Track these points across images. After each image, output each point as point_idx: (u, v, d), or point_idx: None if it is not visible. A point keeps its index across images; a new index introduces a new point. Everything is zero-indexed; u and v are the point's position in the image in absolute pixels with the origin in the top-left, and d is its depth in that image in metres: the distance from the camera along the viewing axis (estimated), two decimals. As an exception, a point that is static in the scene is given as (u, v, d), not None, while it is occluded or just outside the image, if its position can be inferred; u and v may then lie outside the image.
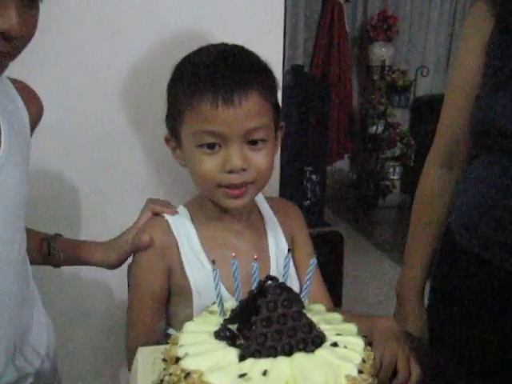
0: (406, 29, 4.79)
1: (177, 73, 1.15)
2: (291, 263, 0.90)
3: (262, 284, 0.81)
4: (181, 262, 1.16)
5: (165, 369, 0.80)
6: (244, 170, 1.07)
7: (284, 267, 0.90)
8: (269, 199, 1.30)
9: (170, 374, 0.77)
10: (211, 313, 0.90)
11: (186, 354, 0.78)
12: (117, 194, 1.62)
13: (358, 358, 0.79)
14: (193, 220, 1.21)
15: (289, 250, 0.93)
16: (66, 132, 1.53)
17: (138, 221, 1.24)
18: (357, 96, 4.91)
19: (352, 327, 0.87)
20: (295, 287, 1.01)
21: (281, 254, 1.20)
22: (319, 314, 0.89)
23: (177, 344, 0.82)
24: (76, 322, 1.67)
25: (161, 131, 1.20)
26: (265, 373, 0.74)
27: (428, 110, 4.68)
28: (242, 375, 0.74)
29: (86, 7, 1.47)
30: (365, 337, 0.85)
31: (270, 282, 0.81)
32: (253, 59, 1.13)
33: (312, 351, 0.79)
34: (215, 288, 0.86)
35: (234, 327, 0.84)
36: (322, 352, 0.79)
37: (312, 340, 0.80)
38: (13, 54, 0.87)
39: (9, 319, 1.03)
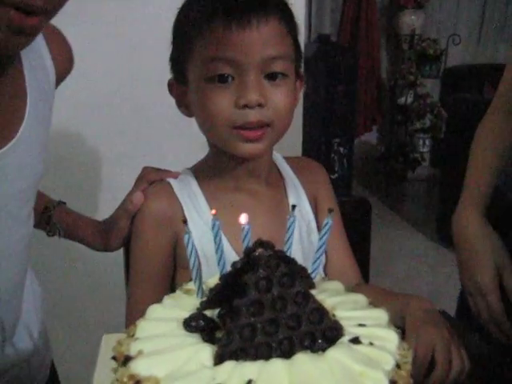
0: (437, -5, 4.42)
1: (185, 4, 0.94)
2: (296, 225, 0.63)
3: (249, 253, 0.53)
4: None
5: (115, 371, 0.54)
6: (261, 105, 0.86)
7: (287, 229, 0.62)
8: (289, 159, 1.07)
9: (117, 380, 0.51)
10: (187, 292, 0.63)
11: (140, 353, 0.52)
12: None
13: (389, 362, 0.51)
14: (199, 181, 0.98)
15: (293, 207, 0.65)
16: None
17: (131, 192, 1.01)
18: (385, 66, 4.56)
19: (382, 314, 0.59)
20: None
21: (303, 218, 1.01)
22: (336, 296, 0.62)
23: (132, 336, 0.55)
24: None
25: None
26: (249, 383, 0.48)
27: (460, 80, 4.33)
28: (215, 387, 0.47)
29: None
30: (399, 328, 0.58)
31: (261, 250, 0.53)
32: None
33: (322, 351, 0.52)
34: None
35: (213, 314, 0.57)
36: (337, 353, 0.51)
37: (323, 334, 0.53)
38: (49, 10, 0.70)
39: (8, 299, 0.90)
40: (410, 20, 4.21)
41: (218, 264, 0.60)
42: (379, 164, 4.70)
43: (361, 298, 0.62)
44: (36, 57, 0.87)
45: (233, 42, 0.85)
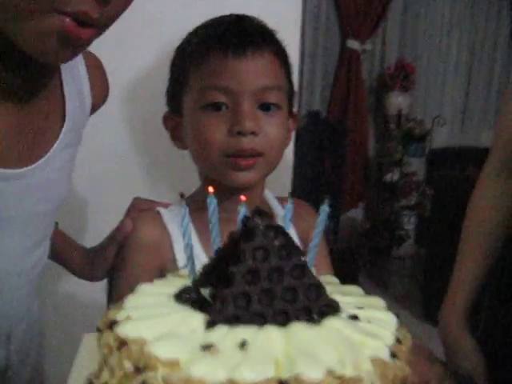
0: (423, 79, 4.56)
1: (184, 39, 0.96)
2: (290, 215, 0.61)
3: (247, 221, 0.52)
4: (174, 260, 0.91)
5: (99, 338, 0.50)
6: (254, 133, 0.86)
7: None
8: (279, 199, 1.06)
9: (101, 346, 0.48)
10: (179, 276, 0.61)
11: (128, 318, 0.49)
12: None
13: (389, 336, 0.48)
14: (190, 212, 0.95)
15: (291, 195, 0.63)
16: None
17: (121, 222, 0.99)
18: (373, 144, 4.65)
19: (378, 301, 0.57)
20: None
21: None
22: (331, 286, 0.59)
23: (120, 308, 0.52)
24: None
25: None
26: (243, 344, 0.45)
27: (444, 160, 4.42)
28: (207, 346, 0.44)
29: None
30: (397, 315, 0.55)
31: (259, 219, 0.52)
32: (269, 27, 0.96)
33: (319, 322, 0.49)
34: (183, 235, 0.57)
35: (205, 292, 0.54)
36: (336, 323, 0.49)
37: (319, 309, 0.51)
38: (101, 24, 0.68)
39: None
40: (397, 101, 4.33)
41: (213, 247, 0.58)
42: (365, 240, 4.70)
43: (356, 289, 0.60)
44: (77, 82, 0.88)
45: (228, 72, 0.86)
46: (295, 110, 1.02)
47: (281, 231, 0.52)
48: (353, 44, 4.22)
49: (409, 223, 4.50)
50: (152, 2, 1.33)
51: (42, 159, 0.79)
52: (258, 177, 0.90)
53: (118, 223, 1.01)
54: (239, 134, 0.86)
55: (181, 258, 0.90)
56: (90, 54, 0.91)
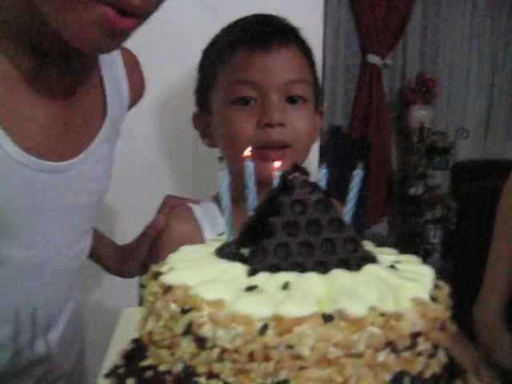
0: (444, 92, 4.56)
1: (211, 40, 1.00)
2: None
3: (285, 176, 0.53)
4: None
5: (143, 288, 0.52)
6: (282, 125, 0.88)
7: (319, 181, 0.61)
8: None
9: (145, 295, 0.49)
10: (219, 241, 0.62)
11: (171, 269, 0.50)
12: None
13: (428, 281, 0.49)
14: (220, 207, 1.00)
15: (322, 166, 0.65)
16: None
17: (155, 219, 1.02)
18: (396, 157, 4.65)
19: (414, 258, 0.57)
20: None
21: None
22: (367, 246, 0.60)
23: (162, 264, 0.54)
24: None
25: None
26: (285, 286, 0.46)
27: (469, 173, 4.39)
28: (251, 288, 0.45)
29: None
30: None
31: (297, 173, 0.53)
32: (290, 22, 0.99)
33: (357, 269, 0.50)
34: (222, 195, 0.59)
35: (245, 251, 0.56)
36: (375, 268, 0.50)
37: (357, 261, 0.52)
38: (143, 12, 0.69)
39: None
40: (419, 114, 4.33)
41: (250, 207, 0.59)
42: (390, 255, 4.66)
43: (392, 250, 0.60)
44: (116, 79, 0.90)
45: (256, 66, 0.89)
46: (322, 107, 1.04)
47: (317, 187, 0.53)
48: (373, 59, 4.24)
49: (434, 237, 4.46)
50: (179, 13, 1.37)
51: (83, 153, 0.82)
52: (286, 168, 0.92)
53: (151, 220, 1.03)
54: (267, 125, 0.88)
55: None
56: (127, 50, 0.94)
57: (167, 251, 0.95)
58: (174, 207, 1.03)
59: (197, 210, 0.99)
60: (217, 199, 1.01)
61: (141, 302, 1.02)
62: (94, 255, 1.08)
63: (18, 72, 0.72)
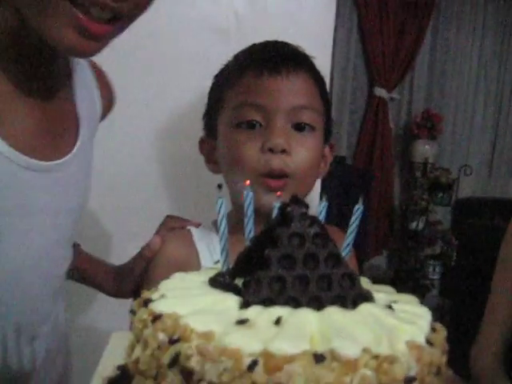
0: (449, 128, 4.58)
1: (221, 68, 1.00)
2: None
3: (284, 208, 0.52)
4: None
5: (133, 314, 0.51)
6: (285, 152, 0.86)
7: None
8: None
9: (135, 322, 0.48)
10: (213, 269, 0.61)
11: (162, 296, 0.49)
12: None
13: (424, 325, 0.48)
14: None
15: (322, 199, 0.64)
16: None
17: (153, 240, 1.00)
18: (398, 191, 4.64)
19: (411, 297, 0.56)
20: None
21: None
22: (364, 283, 0.59)
23: (154, 290, 0.53)
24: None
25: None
26: (278, 321, 0.44)
27: (471, 210, 4.38)
28: (242, 321, 0.44)
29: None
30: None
31: (295, 206, 0.52)
32: (300, 48, 0.98)
33: (353, 308, 0.49)
34: (219, 224, 0.58)
35: (239, 282, 0.54)
36: (370, 307, 0.48)
37: (353, 299, 0.50)
38: (120, 17, 0.70)
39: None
40: (424, 149, 4.34)
41: (247, 238, 0.58)
42: (388, 289, 4.62)
43: (389, 288, 0.59)
44: (87, 87, 0.91)
45: (263, 89, 0.88)
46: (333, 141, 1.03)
47: (316, 221, 0.52)
48: (380, 92, 4.27)
49: (434, 273, 4.43)
50: (189, 36, 1.37)
51: (68, 156, 0.82)
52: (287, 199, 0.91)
53: (148, 241, 1.02)
54: (270, 150, 0.87)
55: None
56: (95, 64, 0.95)
57: (160, 273, 0.94)
58: (173, 229, 1.02)
59: (195, 233, 0.98)
60: (216, 224, 1.00)
61: (131, 327, 1.01)
62: (89, 279, 1.07)
63: (4, 73, 0.73)
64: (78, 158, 0.85)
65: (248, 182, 0.59)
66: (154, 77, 1.35)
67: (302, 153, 0.89)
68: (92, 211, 1.35)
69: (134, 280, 1.03)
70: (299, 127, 0.90)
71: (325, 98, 0.98)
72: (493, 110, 4.65)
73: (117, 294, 1.07)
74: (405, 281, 4.42)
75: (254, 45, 0.97)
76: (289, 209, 0.52)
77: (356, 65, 4.34)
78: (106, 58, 1.27)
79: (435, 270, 4.44)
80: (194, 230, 0.98)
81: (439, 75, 4.55)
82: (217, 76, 1.00)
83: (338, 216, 3.96)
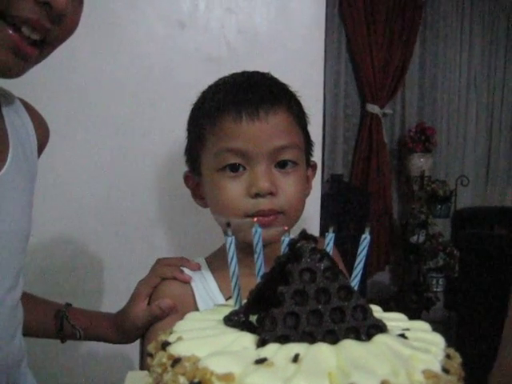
0: (443, 140, 4.62)
1: (199, 99, 0.99)
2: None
3: (293, 244, 0.53)
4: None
5: (151, 360, 0.51)
6: (272, 194, 0.88)
7: (326, 246, 0.62)
8: None
9: (153, 366, 0.49)
10: (226, 306, 0.62)
11: (179, 339, 0.50)
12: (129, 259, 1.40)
13: (439, 352, 0.49)
14: (212, 269, 0.99)
15: (329, 230, 0.65)
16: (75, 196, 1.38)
17: (145, 282, 1.01)
18: (397, 205, 4.66)
19: (424, 324, 0.57)
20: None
21: None
22: (375, 312, 0.60)
23: (170, 332, 0.54)
24: None
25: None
26: (295, 358, 0.45)
27: (470, 221, 4.40)
28: (261, 360, 0.45)
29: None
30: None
31: (305, 241, 0.53)
32: (279, 81, 0.98)
33: (367, 339, 0.50)
34: (229, 262, 0.59)
35: (253, 318, 0.55)
36: (385, 338, 0.49)
37: (367, 330, 0.51)
38: (49, 41, 0.72)
39: None
40: (419, 162, 4.37)
41: (258, 274, 0.59)
42: (393, 304, 4.61)
43: (401, 316, 0.60)
44: (18, 118, 0.90)
45: (243, 134, 0.88)
46: (315, 159, 1.04)
47: (326, 255, 0.53)
48: (373, 108, 4.31)
49: (437, 285, 4.43)
50: (182, 65, 1.39)
51: None
52: (278, 233, 0.91)
53: (140, 282, 1.01)
54: (257, 195, 0.88)
55: (202, 307, 0.92)
56: (24, 100, 0.95)
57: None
58: (167, 267, 1.01)
59: (189, 272, 0.98)
60: (207, 260, 1.01)
61: (142, 366, 1.01)
62: (95, 334, 1.05)
63: None
64: (8, 183, 0.82)
65: (255, 219, 0.59)
66: (147, 106, 1.37)
67: (288, 190, 0.90)
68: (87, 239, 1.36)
69: (134, 324, 1.02)
70: (282, 165, 0.91)
71: (305, 129, 0.98)
72: (485, 119, 4.69)
73: (121, 341, 1.07)
74: (409, 295, 4.41)
75: (231, 79, 0.97)
76: (298, 244, 0.53)
77: (347, 83, 4.39)
78: (97, 89, 1.30)
79: (439, 282, 4.44)
80: (186, 269, 0.99)
81: (430, 88, 4.60)
82: (194, 111, 0.99)
83: (338, 235, 3.97)
